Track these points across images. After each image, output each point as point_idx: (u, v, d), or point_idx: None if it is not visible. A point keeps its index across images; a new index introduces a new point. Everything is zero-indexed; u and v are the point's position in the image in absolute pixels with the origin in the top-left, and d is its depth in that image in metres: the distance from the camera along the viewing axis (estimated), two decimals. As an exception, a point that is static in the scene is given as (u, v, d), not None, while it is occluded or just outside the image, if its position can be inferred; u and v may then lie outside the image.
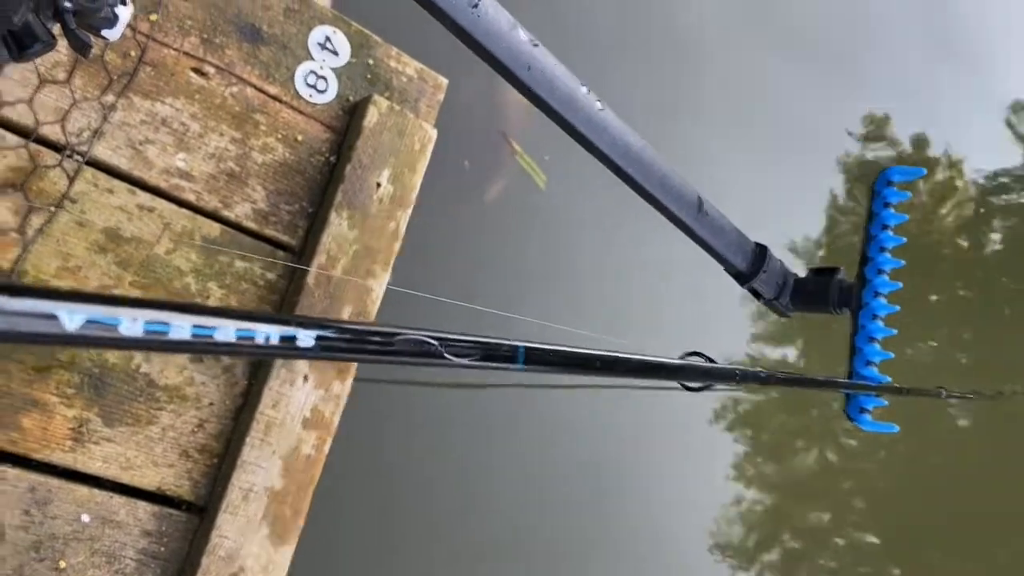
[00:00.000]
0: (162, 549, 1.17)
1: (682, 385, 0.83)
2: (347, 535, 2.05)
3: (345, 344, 0.46)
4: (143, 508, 1.16)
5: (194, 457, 1.20)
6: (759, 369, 0.86)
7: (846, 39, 4.22)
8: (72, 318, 0.44)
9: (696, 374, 0.80)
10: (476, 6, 0.78)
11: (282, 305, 1.25)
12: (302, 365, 1.21)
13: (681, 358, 0.81)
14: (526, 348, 0.57)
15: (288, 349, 0.43)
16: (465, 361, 0.51)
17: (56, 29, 0.93)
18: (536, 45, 0.84)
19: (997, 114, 4.75)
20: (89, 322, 0.45)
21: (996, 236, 4.65)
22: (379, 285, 1.30)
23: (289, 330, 0.43)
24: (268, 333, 0.42)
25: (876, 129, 4.36)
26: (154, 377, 1.17)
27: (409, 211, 1.34)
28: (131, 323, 0.44)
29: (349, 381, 1.26)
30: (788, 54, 3.90)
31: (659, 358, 0.74)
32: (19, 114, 1.08)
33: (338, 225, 1.26)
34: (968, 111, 4.59)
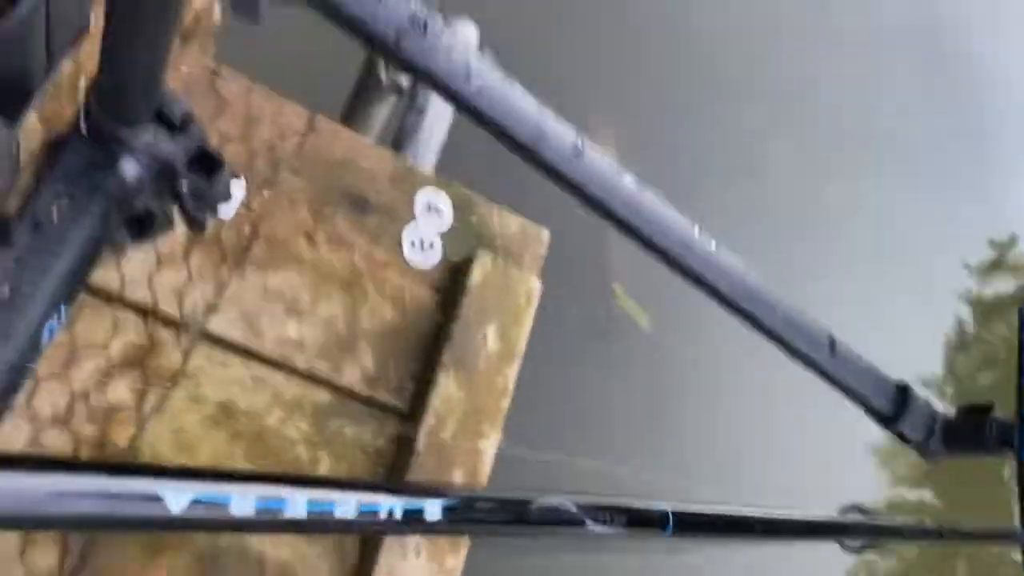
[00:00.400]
0: None
1: (842, 545, 0.73)
2: None
3: (476, 515, 0.41)
4: None
5: (306, 639, 1.13)
6: (927, 523, 0.76)
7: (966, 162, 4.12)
8: (178, 499, 0.42)
9: (861, 531, 0.71)
10: (579, 156, 0.77)
11: (391, 473, 1.21)
12: (414, 538, 1.15)
13: (841, 513, 0.73)
14: (676, 513, 0.50)
15: (414, 524, 0.39)
16: (609, 530, 0.46)
17: (174, 209, 0.96)
18: (643, 190, 0.82)
19: None
20: (196, 502, 0.42)
21: None
22: (489, 445, 1.25)
23: (415, 502, 0.39)
24: (392, 506, 0.38)
25: (999, 255, 4.16)
26: (267, 554, 1.13)
27: (516, 365, 1.31)
28: (241, 500, 0.41)
29: (463, 553, 1.19)
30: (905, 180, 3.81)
31: (820, 516, 0.66)
32: (138, 294, 1.11)
33: (446, 385, 1.23)
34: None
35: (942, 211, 3.93)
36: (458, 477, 1.21)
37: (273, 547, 1.13)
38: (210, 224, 1.10)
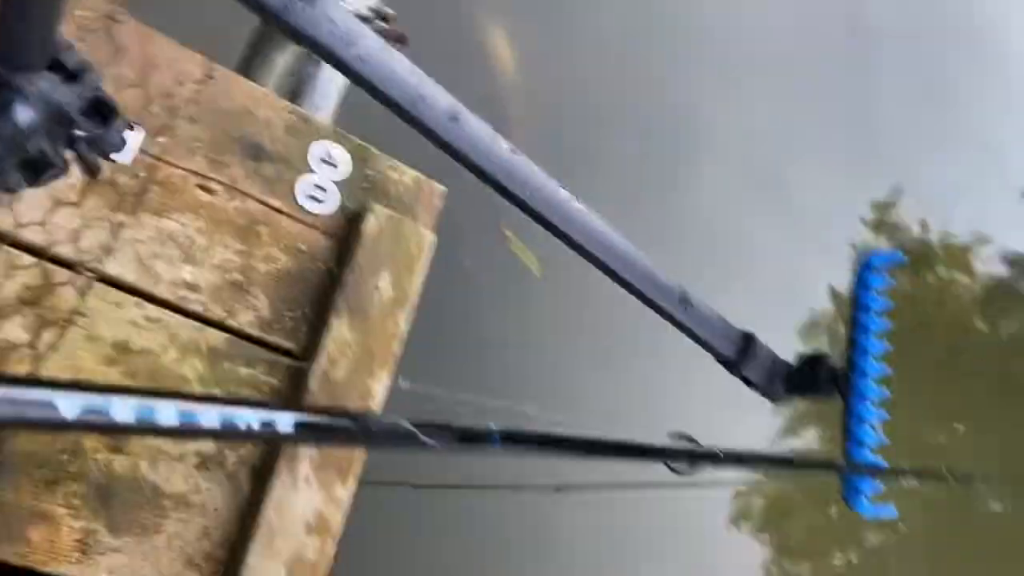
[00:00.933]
0: (166, 661, 1.16)
1: (668, 467, 0.85)
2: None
3: (322, 429, 0.49)
4: (148, 619, 1.16)
5: (199, 565, 1.20)
6: (744, 451, 0.87)
7: (858, 124, 4.31)
8: (69, 405, 0.48)
9: (678, 456, 0.81)
10: (456, 119, 0.84)
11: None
12: (304, 468, 1.23)
13: (670, 440, 0.83)
14: (502, 431, 0.59)
15: (269, 434, 0.46)
16: (439, 445, 0.54)
17: (69, 154, 0.99)
18: (516, 153, 0.90)
19: (1011, 196, 4.80)
20: (85, 409, 0.48)
21: (1011, 319, 4.64)
22: (381, 386, 1.33)
23: (270, 415, 0.46)
24: (250, 419, 0.46)
25: (886, 215, 4.41)
26: (160, 485, 1.19)
27: (409, 311, 1.39)
28: (122, 408, 0.48)
29: (351, 484, 1.27)
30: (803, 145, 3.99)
31: (639, 441, 0.76)
32: (33, 235, 1.14)
33: (339, 329, 1.30)
34: (982, 194, 4.65)
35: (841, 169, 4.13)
36: (348, 415, 1.28)
37: (166, 479, 1.19)
38: (105, 169, 1.13)
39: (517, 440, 0.61)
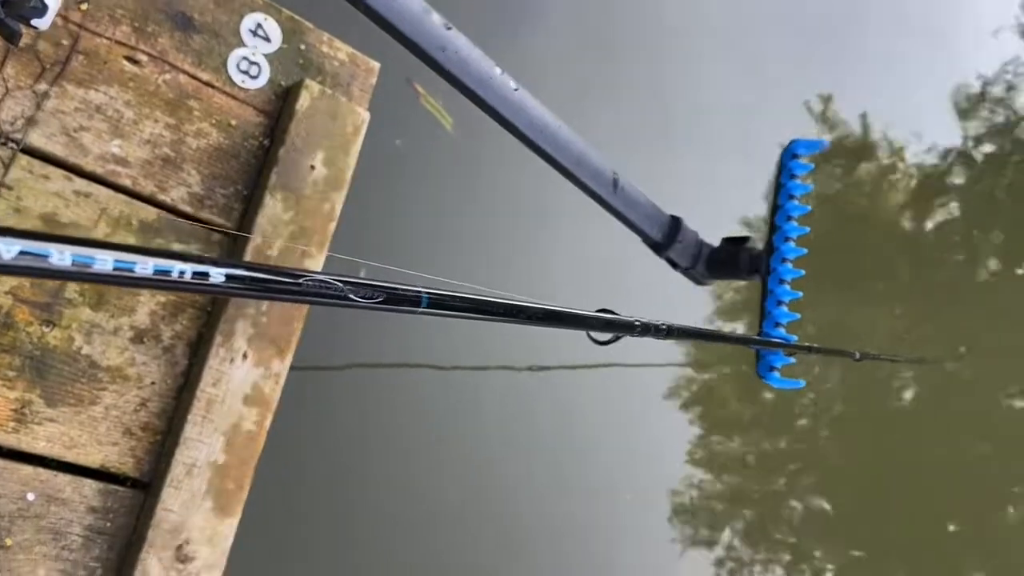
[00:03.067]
0: (108, 524, 1.20)
1: (589, 336, 0.89)
2: (292, 506, 2.09)
3: (253, 282, 0.51)
4: (88, 486, 1.19)
5: (137, 435, 1.23)
6: (662, 322, 0.92)
7: (791, 17, 4.31)
8: (8, 249, 0.48)
9: (599, 324, 0.86)
10: (390, -7, 0.83)
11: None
12: (241, 343, 1.25)
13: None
14: (429, 294, 0.62)
15: (201, 284, 0.48)
16: (369, 304, 0.56)
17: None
18: (450, 28, 0.89)
19: (942, 94, 4.89)
20: (22, 253, 0.49)
21: (939, 212, 4.81)
22: (315, 264, 1.34)
23: (202, 267, 0.48)
24: (183, 269, 0.47)
25: (823, 108, 4.47)
26: (96, 358, 1.20)
27: (344, 192, 1.39)
28: (60, 255, 0.48)
29: (288, 359, 1.30)
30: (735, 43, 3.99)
31: (562, 307, 0.80)
32: (-49, 103, 1.10)
33: (272, 207, 1.30)
34: (913, 91, 4.72)
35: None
36: (283, 292, 1.30)
37: (102, 352, 1.20)
38: (25, 35, 1.09)
39: (444, 303, 0.64)
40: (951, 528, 4.28)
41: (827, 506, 4.04)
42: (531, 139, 1.00)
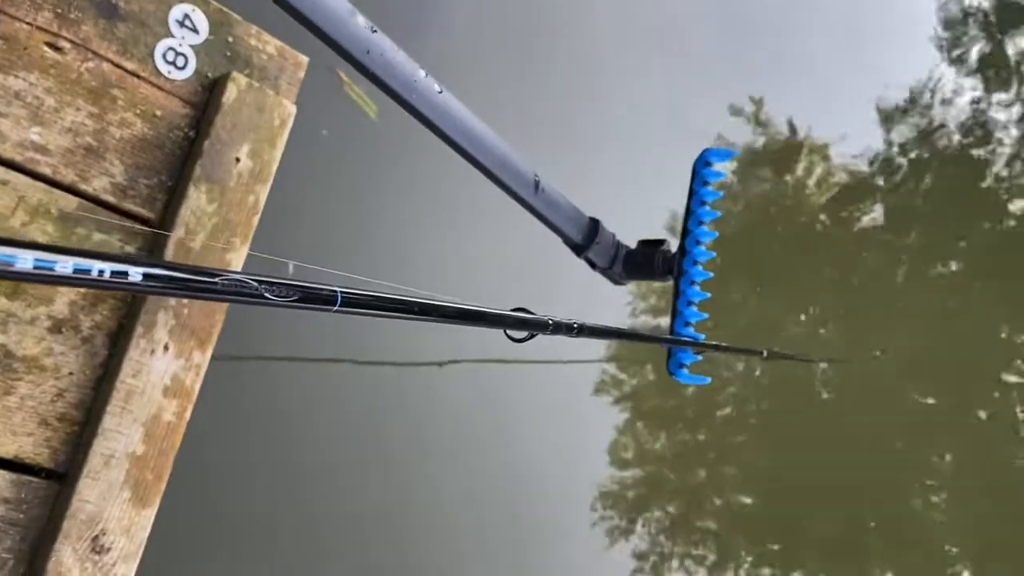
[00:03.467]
0: (21, 516, 1.19)
1: (506, 334, 0.93)
2: (211, 497, 2.09)
3: (171, 281, 0.52)
4: (1, 476, 1.18)
5: (53, 426, 1.22)
6: (573, 321, 0.96)
7: (722, 25, 4.42)
8: None
9: (514, 323, 0.89)
10: (316, -5, 0.85)
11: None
12: (162, 335, 1.25)
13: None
14: (344, 293, 0.64)
15: (120, 283, 0.49)
16: (285, 302, 0.58)
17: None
18: (375, 31, 0.92)
19: (868, 101, 5.07)
20: None
21: (860, 215, 4.99)
22: (238, 257, 1.35)
23: (121, 266, 0.49)
24: (102, 268, 0.48)
25: (754, 110, 4.60)
26: (11, 348, 1.19)
27: (269, 185, 1.39)
28: None
29: (209, 351, 1.31)
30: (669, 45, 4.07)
31: (477, 306, 0.83)
32: None
33: (196, 199, 1.30)
34: (839, 94, 4.89)
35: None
36: (206, 284, 1.30)
37: (18, 342, 1.19)
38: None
39: (359, 302, 0.66)
40: (864, 520, 4.47)
41: (746, 499, 4.17)
42: (455, 141, 1.03)
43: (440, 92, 0.98)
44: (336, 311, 0.63)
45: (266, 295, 0.57)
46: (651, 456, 3.97)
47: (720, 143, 4.34)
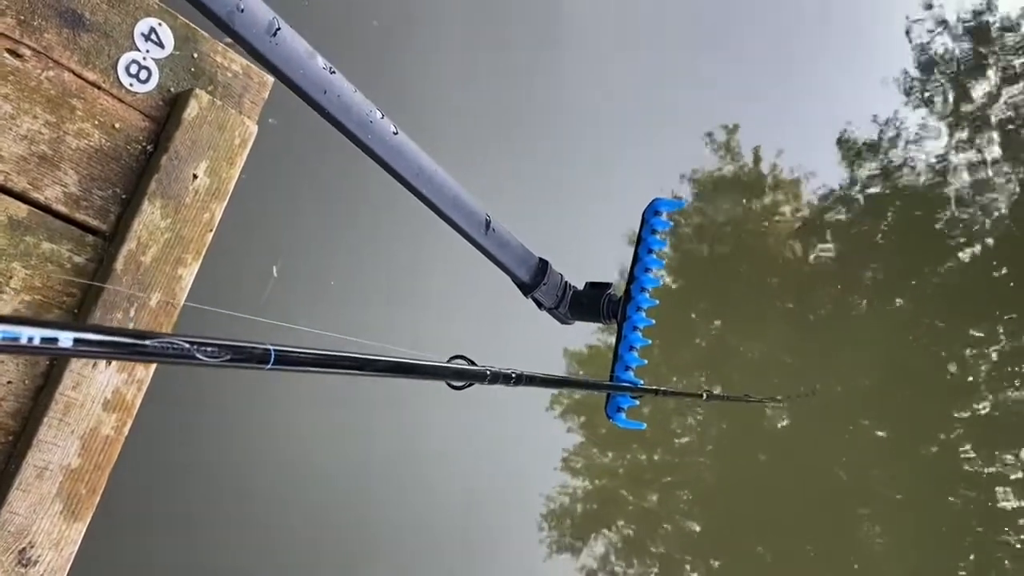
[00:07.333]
0: (-53, 524, 1.18)
1: (448, 384, 0.94)
2: (146, 510, 2.07)
3: (102, 345, 0.53)
4: (-71, 483, 1.17)
5: (-13, 434, 1.21)
6: (511, 370, 0.98)
7: (698, 50, 4.50)
8: None
9: (451, 374, 0.91)
10: (275, 35, 0.86)
11: (88, 289, 1.28)
12: (105, 348, 1.25)
13: (448, 361, 0.93)
14: (277, 350, 0.65)
15: (50, 348, 0.50)
16: (217, 362, 0.59)
17: None
18: (333, 72, 0.93)
19: (829, 136, 5.18)
20: None
21: (819, 250, 5.09)
22: (189, 273, 1.35)
23: (51, 332, 0.50)
24: (31, 335, 0.49)
25: (725, 140, 4.68)
26: (-51, 353, 1.18)
27: (224, 203, 1.40)
28: None
29: (153, 366, 1.30)
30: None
31: (413, 359, 0.84)
32: None
33: (151, 213, 1.30)
34: (803, 131, 5.00)
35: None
36: (154, 300, 1.30)
37: (-43, 348, 1.18)
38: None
39: (292, 359, 0.67)
40: (803, 544, 4.53)
41: (695, 524, 4.22)
42: (408, 181, 1.05)
43: (395, 133, 1.00)
44: (269, 369, 0.64)
45: (197, 355, 0.58)
46: (602, 474, 4.01)
47: (681, 185, 4.41)
